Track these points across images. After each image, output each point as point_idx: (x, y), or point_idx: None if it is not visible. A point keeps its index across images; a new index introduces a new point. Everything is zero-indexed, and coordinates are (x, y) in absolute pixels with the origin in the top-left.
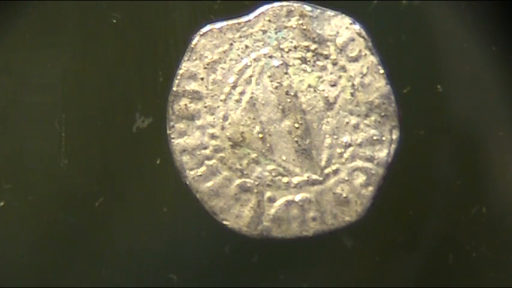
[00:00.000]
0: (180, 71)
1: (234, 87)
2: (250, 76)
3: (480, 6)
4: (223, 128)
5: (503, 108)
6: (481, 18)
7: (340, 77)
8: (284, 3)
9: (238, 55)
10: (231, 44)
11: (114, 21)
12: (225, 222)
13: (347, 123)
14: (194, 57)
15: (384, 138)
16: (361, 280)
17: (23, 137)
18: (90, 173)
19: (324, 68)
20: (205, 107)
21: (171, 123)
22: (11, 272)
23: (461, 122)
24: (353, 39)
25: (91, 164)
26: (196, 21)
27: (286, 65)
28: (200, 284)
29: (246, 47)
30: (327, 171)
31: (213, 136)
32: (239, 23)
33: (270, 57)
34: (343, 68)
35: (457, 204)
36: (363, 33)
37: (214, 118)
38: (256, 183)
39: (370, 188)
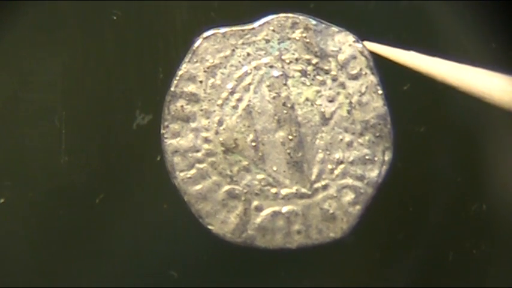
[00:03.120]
0: (180, 72)
1: (232, 93)
2: (249, 84)
3: (480, 6)
4: (217, 133)
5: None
6: (481, 16)
7: (338, 93)
8: (290, 14)
9: (239, 62)
10: (233, 50)
11: (115, 18)
12: (209, 227)
13: (341, 140)
14: (195, 60)
15: (376, 159)
16: (361, 279)
17: (23, 134)
18: (90, 170)
19: (323, 83)
20: (202, 110)
21: (166, 123)
22: (11, 269)
23: (461, 120)
24: (355, 57)
25: (91, 161)
26: (196, 19)
27: (285, 76)
28: (200, 282)
29: (248, 54)
30: (316, 185)
31: (206, 140)
32: (243, 30)
33: (271, 67)
34: (343, 85)
35: (457, 201)
36: (365, 51)
37: (209, 122)
38: (245, 191)
39: (358, 207)
